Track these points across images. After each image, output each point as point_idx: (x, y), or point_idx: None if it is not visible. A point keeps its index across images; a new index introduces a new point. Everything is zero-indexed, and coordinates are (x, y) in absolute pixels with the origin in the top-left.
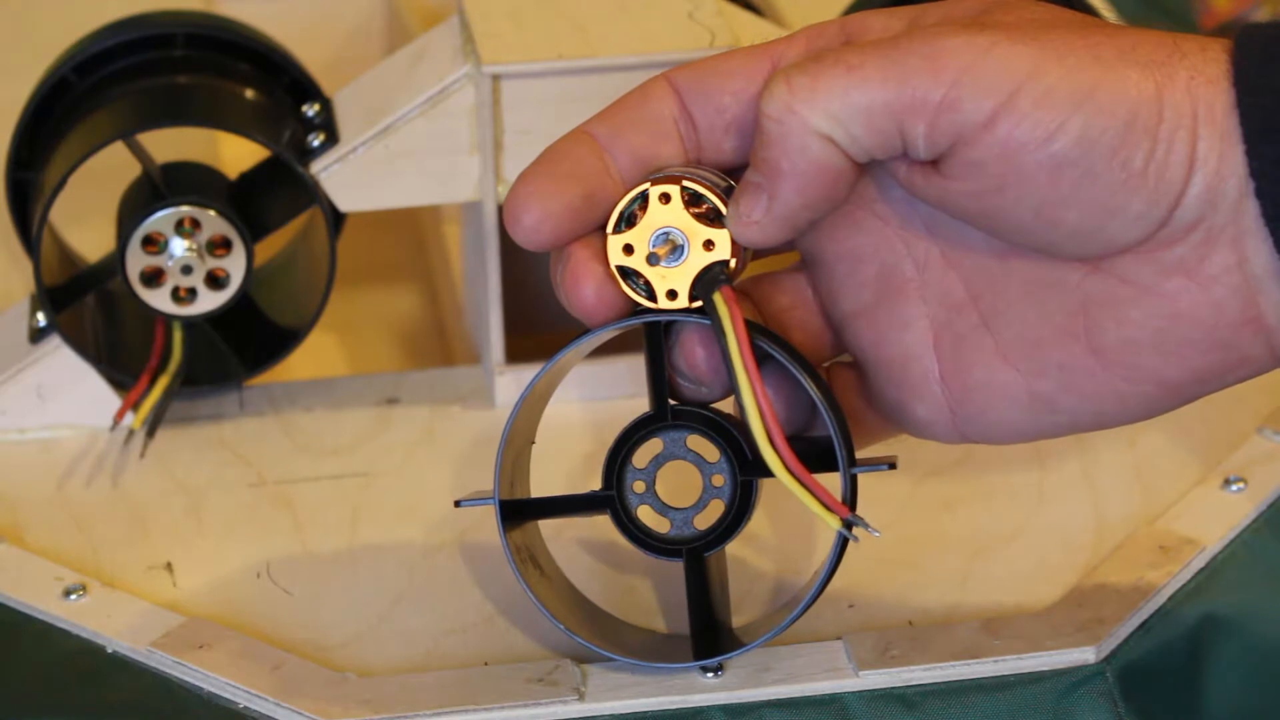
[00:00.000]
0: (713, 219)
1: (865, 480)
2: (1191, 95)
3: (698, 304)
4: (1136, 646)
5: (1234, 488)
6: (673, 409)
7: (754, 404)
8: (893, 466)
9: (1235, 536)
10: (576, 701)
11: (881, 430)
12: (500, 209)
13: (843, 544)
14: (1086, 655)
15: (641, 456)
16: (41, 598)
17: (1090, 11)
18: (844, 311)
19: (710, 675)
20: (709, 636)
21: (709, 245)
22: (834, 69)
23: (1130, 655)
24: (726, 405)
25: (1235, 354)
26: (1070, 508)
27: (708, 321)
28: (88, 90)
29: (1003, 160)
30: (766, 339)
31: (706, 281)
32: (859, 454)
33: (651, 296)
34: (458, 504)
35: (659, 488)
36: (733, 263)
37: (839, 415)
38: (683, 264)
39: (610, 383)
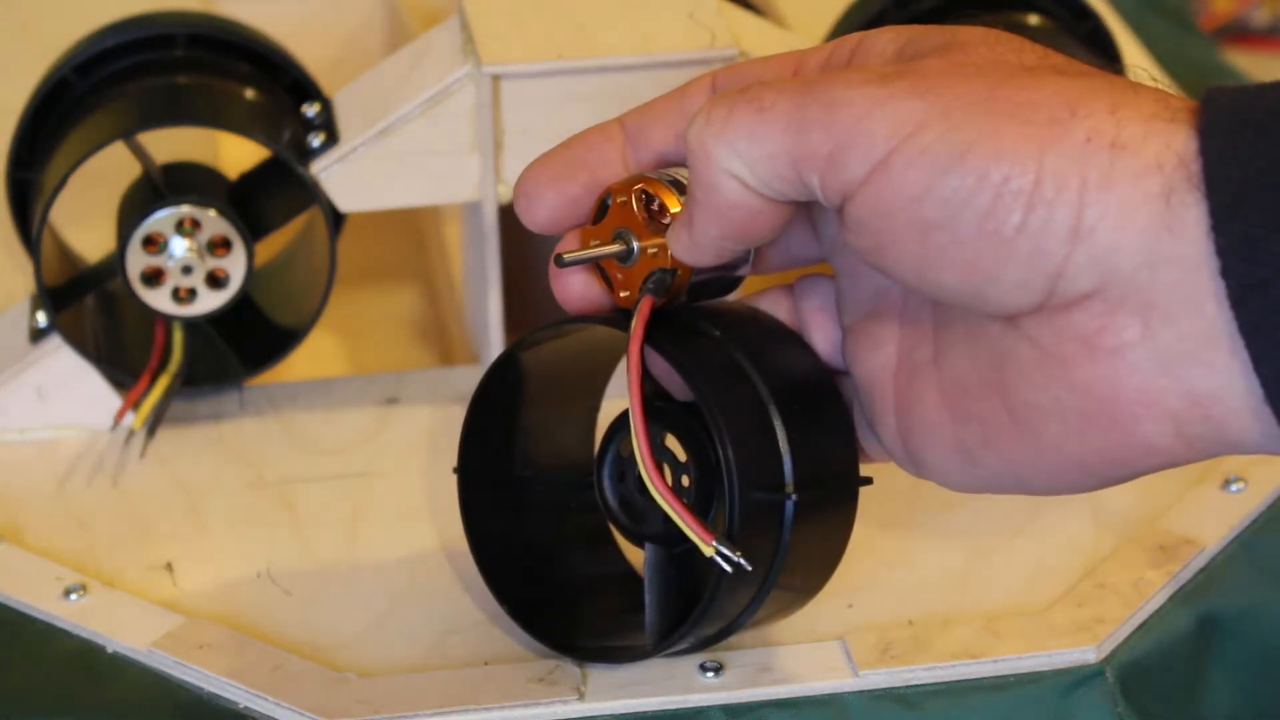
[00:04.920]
0: (667, 227)
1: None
2: (1082, 161)
3: None
4: (1136, 646)
5: (1234, 488)
6: (654, 406)
7: (633, 424)
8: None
9: (1235, 536)
10: (576, 701)
11: (879, 450)
12: (500, 209)
13: (721, 570)
14: (1086, 655)
15: (628, 446)
16: (41, 598)
17: (1100, 24)
18: (845, 322)
19: (710, 675)
20: (668, 630)
21: (656, 252)
22: (746, 108)
23: (1130, 655)
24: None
25: (1138, 439)
26: (1070, 508)
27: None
28: (88, 90)
29: (878, 219)
30: (686, 361)
31: (642, 289)
32: (866, 471)
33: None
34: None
35: None
36: (679, 272)
37: (737, 443)
38: (633, 266)
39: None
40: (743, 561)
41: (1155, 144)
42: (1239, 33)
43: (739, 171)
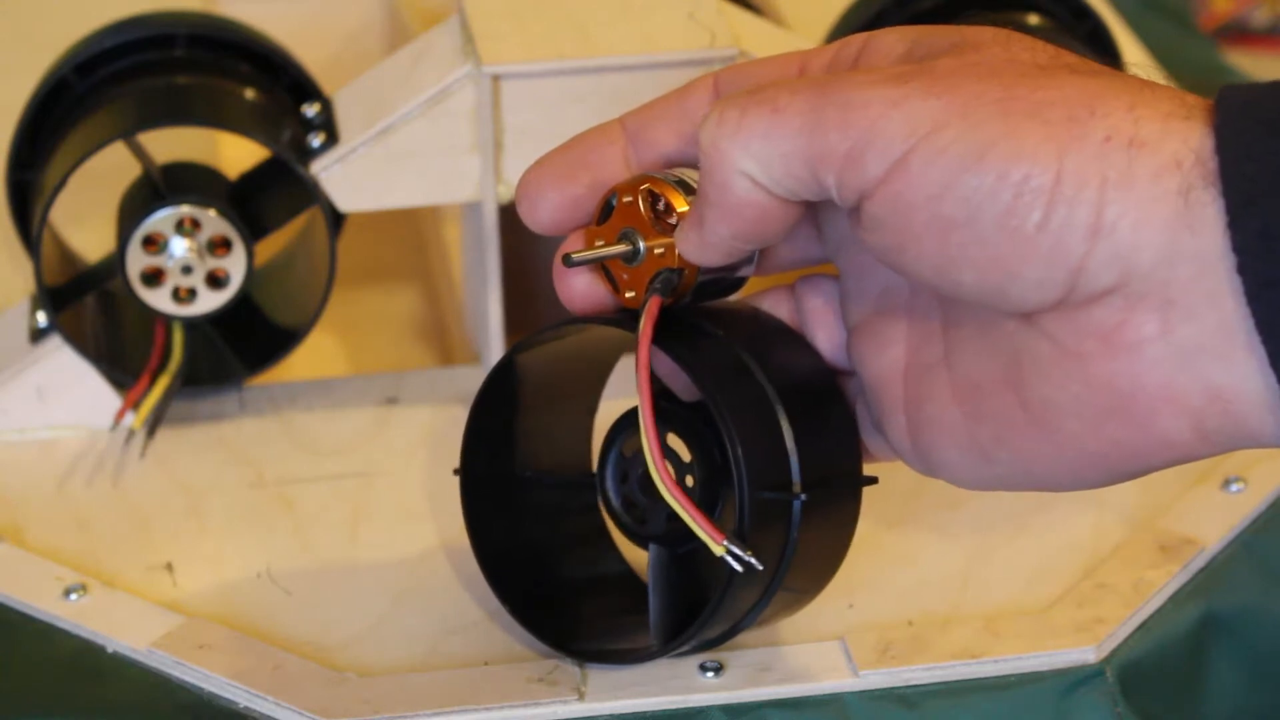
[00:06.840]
0: (673, 227)
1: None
2: (1102, 159)
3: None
4: (1136, 646)
5: (1234, 488)
6: (659, 406)
7: (643, 424)
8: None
9: (1235, 536)
10: (576, 701)
11: (883, 449)
12: (500, 209)
13: (731, 570)
14: (1086, 655)
15: (631, 446)
16: (41, 598)
17: (1100, 24)
18: (850, 322)
19: (710, 675)
20: (672, 631)
21: (663, 252)
22: (760, 109)
23: (1130, 655)
24: None
25: (1155, 434)
26: (1070, 507)
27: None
28: (88, 90)
29: (896, 218)
30: (693, 361)
31: (649, 289)
32: (870, 470)
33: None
34: (456, 472)
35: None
36: (685, 272)
37: (746, 443)
38: (639, 267)
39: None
40: (754, 561)
41: (1173, 142)
42: (1239, 33)
43: (752, 171)
